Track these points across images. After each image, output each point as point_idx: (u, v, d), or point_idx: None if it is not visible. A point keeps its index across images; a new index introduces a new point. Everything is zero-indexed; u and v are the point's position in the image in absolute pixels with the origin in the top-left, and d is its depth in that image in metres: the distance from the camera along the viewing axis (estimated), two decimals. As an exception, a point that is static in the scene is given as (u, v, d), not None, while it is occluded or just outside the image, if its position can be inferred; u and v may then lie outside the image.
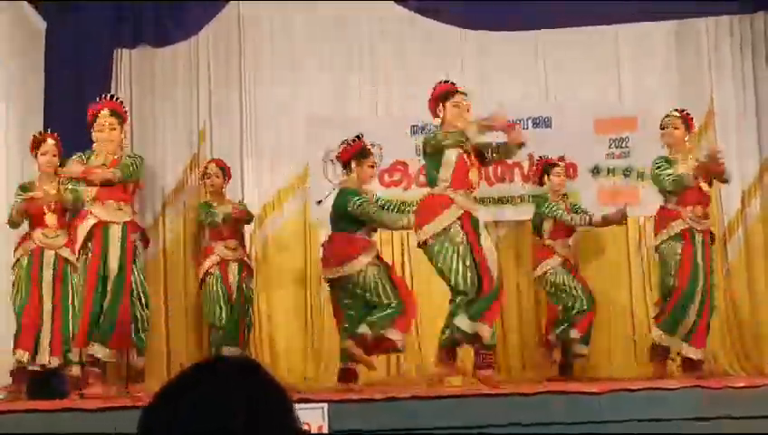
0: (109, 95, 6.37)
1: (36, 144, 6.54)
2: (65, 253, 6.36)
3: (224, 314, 7.26)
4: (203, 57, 8.26)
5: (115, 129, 6.05)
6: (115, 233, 5.95)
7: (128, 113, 6.39)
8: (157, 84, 8.21)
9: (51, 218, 6.42)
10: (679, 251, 6.49)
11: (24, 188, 6.49)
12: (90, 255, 5.92)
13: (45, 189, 6.43)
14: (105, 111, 6.06)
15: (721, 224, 7.81)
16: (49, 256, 6.39)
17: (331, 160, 7.41)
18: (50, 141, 6.50)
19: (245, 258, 7.51)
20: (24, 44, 7.78)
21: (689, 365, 6.46)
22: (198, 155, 8.11)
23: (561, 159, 7.50)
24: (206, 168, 7.68)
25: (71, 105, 7.47)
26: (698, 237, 6.51)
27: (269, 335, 7.95)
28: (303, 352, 7.93)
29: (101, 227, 5.94)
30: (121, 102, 6.35)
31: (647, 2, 7.90)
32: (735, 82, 8.05)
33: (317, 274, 7.91)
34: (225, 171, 7.63)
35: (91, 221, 5.94)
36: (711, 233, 6.66)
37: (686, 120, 6.76)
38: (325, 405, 4.74)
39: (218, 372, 1.55)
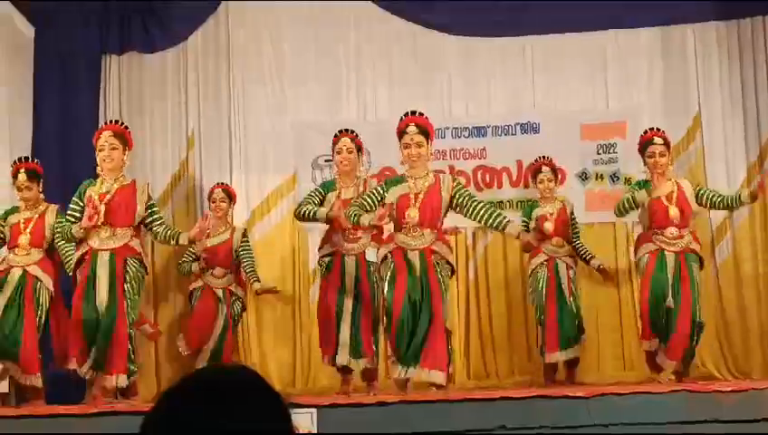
0: (113, 120, 6.51)
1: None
2: None
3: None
4: (191, 63, 8.26)
5: (116, 148, 6.05)
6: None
7: (131, 141, 6.28)
8: (145, 90, 8.20)
9: None
10: (644, 269, 6.55)
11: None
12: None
13: None
14: (107, 132, 6.07)
15: (709, 229, 7.80)
16: None
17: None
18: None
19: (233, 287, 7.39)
20: (12, 49, 7.78)
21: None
22: (187, 161, 8.11)
23: (549, 162, 7.36)
24: (211, 192, 7.56)
25: (60, 109, 7.49)
26: (669, 256, 6.49)
27: (258, 342, 7.93)
28: (292, 361, 7.91)
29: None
30: (126, 127, 6.28)
31: (634, 8, 7.93)
32: (722, 88, 8.05)
33: (306, 279, 7.90)
34: (230, 196, 7.56)
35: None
36: (693, 252, 6.58)
37: (667, 142, 6.70)
38: (314, 410, 4.74)
39: (239, 378, 1.51)
